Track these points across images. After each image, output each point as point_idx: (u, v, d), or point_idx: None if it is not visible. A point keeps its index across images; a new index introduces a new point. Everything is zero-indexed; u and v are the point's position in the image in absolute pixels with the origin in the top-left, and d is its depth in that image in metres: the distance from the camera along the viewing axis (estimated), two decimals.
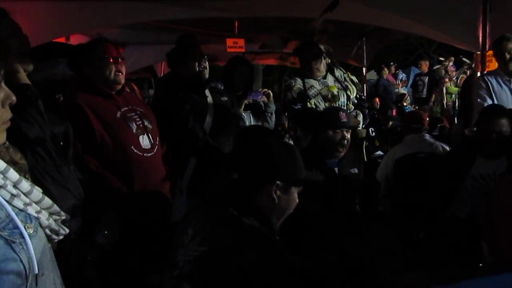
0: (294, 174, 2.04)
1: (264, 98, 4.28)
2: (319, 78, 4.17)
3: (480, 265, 1.77)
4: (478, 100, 4.40)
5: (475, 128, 3.74)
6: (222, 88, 3.96)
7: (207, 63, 3.64)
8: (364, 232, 3.19)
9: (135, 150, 2.87)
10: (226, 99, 3.82)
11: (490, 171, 3.50)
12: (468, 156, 3.56)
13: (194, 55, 3.58)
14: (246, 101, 4.20)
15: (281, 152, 2.05)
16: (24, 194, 1.20)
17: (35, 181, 2.00)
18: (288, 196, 2.03)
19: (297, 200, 2.08)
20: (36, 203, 1.24)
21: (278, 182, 1.99)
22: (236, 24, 7.12)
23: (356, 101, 4.34)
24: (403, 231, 3.82)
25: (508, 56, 4.25)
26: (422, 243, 3.64)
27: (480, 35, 5.13)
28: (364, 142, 4.86)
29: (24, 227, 1.15)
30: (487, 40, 5.05)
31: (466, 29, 5.18)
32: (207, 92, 3.65)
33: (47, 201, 1.27)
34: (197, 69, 3.59)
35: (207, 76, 3.64)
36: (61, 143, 2.44)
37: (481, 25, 5.09)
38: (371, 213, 3.40)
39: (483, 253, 1.64)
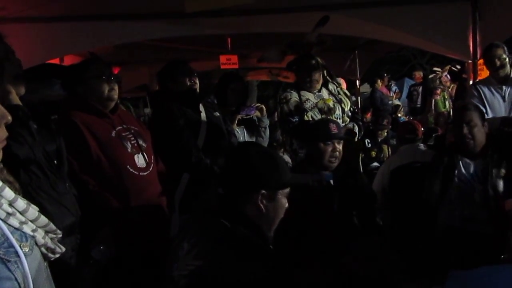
0: (277, 180, 2.04)
1: (257, 113, 4.29)
2: (314, 91, 4.19)
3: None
4: None
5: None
6: (214, 101, 3.99)
7: (197, 80, 3.65)
8: (362, 244, 3.19)
9: (131, 170, 2.87)
10: (218, 114, 3.83)
11: (474, 171, 3.48)
12: (451, 159, 3.56)
13: (184, 70, 3.60)
14: (239, 116, 4.21)
15: (261, 160, 2.04)
16: (20, 212, 1.21)
17: (30, 199, 2.00)
18: (275, 203, 2.02)
19: (286, 205, 2.07)
20: (32, 221, 1.24)
21: (263, 191, 1.99)
22: (229, 41, 7.17)
23: (350, 114, 4.37)
24: (402, 242, 3.82)
25: (498, 63, 4.29)
26: (421, 254, 3.63)
27: (471, 44, 5.19)
28: (360, 154, 4.87)
29: (20, 246, 1.16)
30: (478, 49, 5.11)
31: (457, 39, 5.25)
32: (201, 107, 3.66)
33: (43, 219, 1.27)
34: (188, 84, 3.60)
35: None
36: (55, 161, 2.45)
37: (471, 35, 5.16)
38: (369, 224, 3.39)
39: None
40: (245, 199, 2.00)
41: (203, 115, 3.63)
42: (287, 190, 2.08)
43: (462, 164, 3.51)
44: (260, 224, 2.00)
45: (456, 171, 3.50)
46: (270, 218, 2.03)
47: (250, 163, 2.03)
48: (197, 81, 3.65)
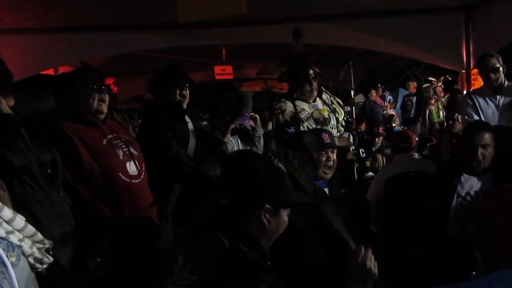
0: (282, 197, 2.02)
1: (251, 122, 4.29)
2: (310, 101, 4.19)
3: (474, 273, 1.80)
4: (465, 117, 4.43)
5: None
6: (202, 114, 3.99)
7: (188, 92, 3.66)
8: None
9: (123, 177, 2.88)
10: (206, 123, 3.84)
11: (477, 188, 3.48)
12: (454, 175, 3.56)
13: (176, 82, 3.61)
14: (232, 126, 4.21)
15: (268, 175, 2.03)
16: (6, 222, 1.19)
17: (24, 209, 1.99)
18: (277, 219, 2.00)
19: (287, 221, 2.06)
20: (19, 231, 1.22)
21: (267, 205, 1.97)
22: (224, 52, 7.19)
23: (344, 123, 4.36)
24: (397, 251, 3.80)
25: (492, 72, 4.27)
26: (417, 263, 3.62)
27: (464, 54, 5.21)
28: (355, 164, 4.86)
29: (6, 256, 1.14)
30: (471, 59, 5.13)
31: (451, 49, 5.27)
32: (187, 118, 3.68)
33: (30, 229, 1.26)
34: (178, 98, 3.61)
35: (185, 106, 3.67)
36: (49, 171, 2.44)
37: (464, 45, 5.18)
38: (363, 233, 3.37)
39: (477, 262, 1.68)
40: (247, 212, 1.98)
41: (190, 125, 3.65)
42: (289, 209, 2.06)
43: (465, 181, 3.52)
44: (259, 239, 1.98)
45: (458, 188, 3.50)
46: (270, 233, 2.01)
47: (258, 176, 2.02)
48: (187, 95, 3.66)
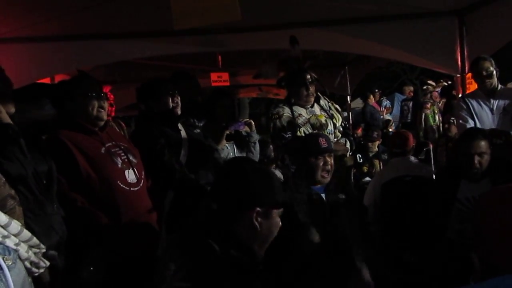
0: (273, 198, 2.02)
1: (246, 128, 4.30)
2: (307, 106, 4.20)
3: (471, 276, 1.80)
4: (460, 121, 4.45)
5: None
6: (194, 121, 4.00)
7: (179, 99, 3.67)
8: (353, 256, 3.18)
9: (121, 185, 2.89)
10: (199, 131, 3.85)
11: (475, 194, 3.50)
12: (453, 180, 3.59)
13: (167, 90, 3.61)
14: (227, 132, 4.22)
15: (257, 177, 2.04)
16: (2, 226, 1.20)
17: None
18: (269, 221, 2.00)
19: (280, 224, 2.05)
20: (15, 235, 1.23)
21: (258, 208, 1.97)
22: (220, 58, 7.20)
23: (341, 129, 4.38)
24: (394, 256, 3.81)
25: (485, 76, 4.30)
26: (414, 267, 3.63)
27: (459, 58, 5.23)
28: (352, 169, 4.87)
29: (2, 259, 1.15)
30: (466, 63, 5.15)
31: (445, 54, 5.29)
32: (180, 126, 3.69)
33: (26, 233, 1.27)
34: (171, 105, 3.62)
35: (179, 112, 3.68)
36: (44, 182, 2.44)
37: (459, 49, 5.20)
38: (361, 238, 3.38)
39: (474, 266, 1.67)
40: (238, 216, 1.98)
41: (182, 133, 3.66)
42: (281, 209, 2.06)
43: (464, 186, 3.56)
44: (251, 244, 1.97)
45: (457, 193, 3.55)
46: (263, 237, 2.01)
47: (246, 180, 2.02)
48: (179, 102, 3.67)
